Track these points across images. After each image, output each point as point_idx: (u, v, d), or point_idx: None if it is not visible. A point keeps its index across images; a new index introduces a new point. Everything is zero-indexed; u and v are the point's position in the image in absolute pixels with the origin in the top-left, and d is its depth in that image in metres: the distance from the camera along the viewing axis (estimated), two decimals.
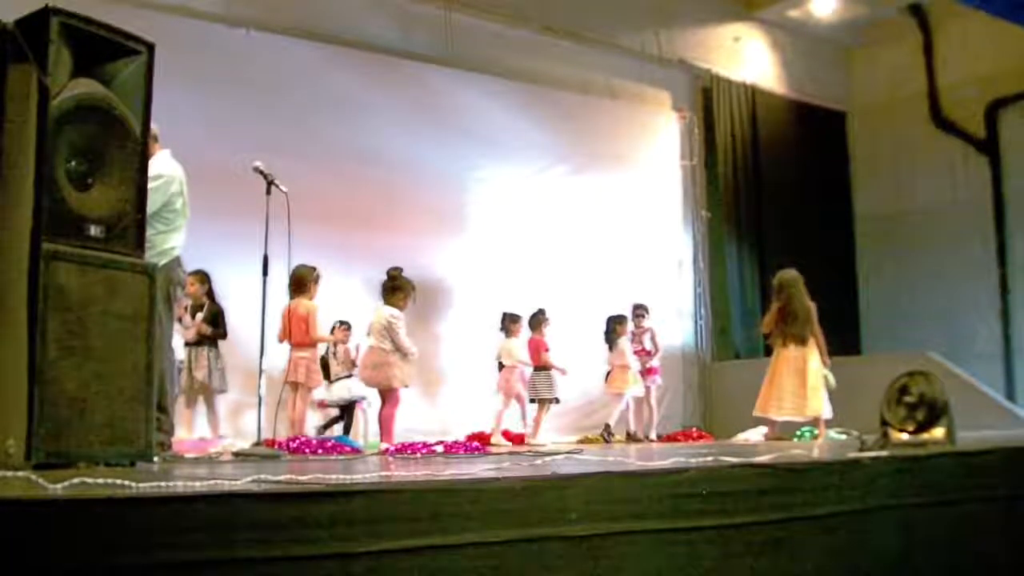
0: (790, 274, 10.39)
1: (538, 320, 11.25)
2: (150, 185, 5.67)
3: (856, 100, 16.55)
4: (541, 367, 11.08)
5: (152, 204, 5.74)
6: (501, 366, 10.92)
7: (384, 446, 7.96)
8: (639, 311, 12.22)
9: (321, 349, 9.51)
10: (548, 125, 12.87)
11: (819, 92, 16.10)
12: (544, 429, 10.91)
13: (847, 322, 15.57)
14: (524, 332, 11.08)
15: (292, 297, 8.86)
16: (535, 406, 11.07)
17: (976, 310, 14.70)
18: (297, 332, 8.83)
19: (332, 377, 9.91)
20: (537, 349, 11.10)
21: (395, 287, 9.24)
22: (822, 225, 15.63)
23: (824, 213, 15.75)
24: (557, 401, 11.15)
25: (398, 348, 9.01)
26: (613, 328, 11.80)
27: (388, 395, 9.06)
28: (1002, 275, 14.70)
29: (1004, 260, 14.72)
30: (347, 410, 9.97)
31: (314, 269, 8.97)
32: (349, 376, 9.93)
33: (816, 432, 10.10)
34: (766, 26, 15.49)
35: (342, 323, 10.03)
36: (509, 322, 10.95)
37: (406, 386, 9.20)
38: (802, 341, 10.16)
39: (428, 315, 11.14)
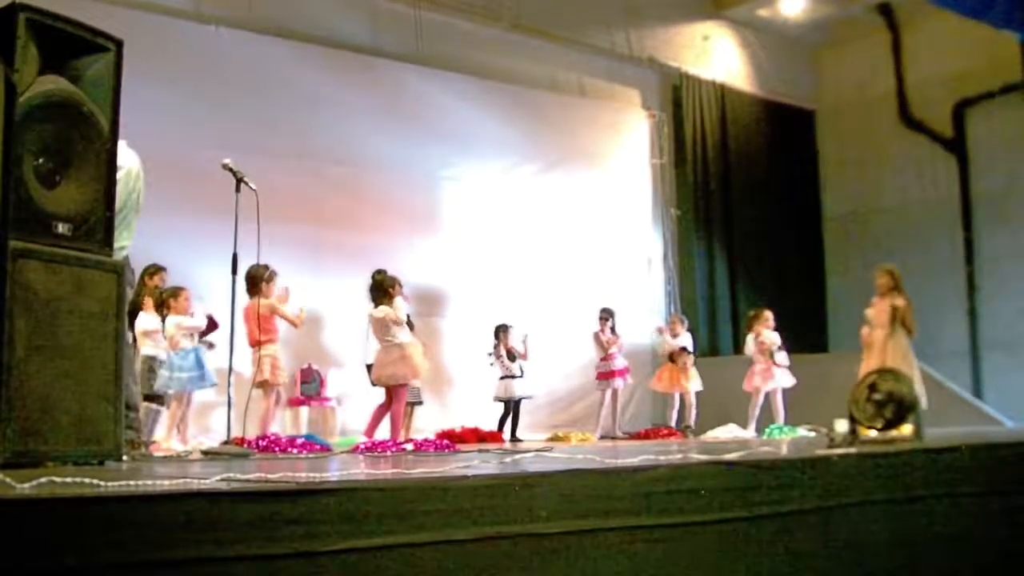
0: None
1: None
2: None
3: (825, 99, 16.63)
4: None
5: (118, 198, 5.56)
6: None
7: (355, 443, 7.92)
8: (607, 314, 12.12)
9: (277, 345, 9.32)
10: (518, 123, 12.88)
11: (788, 91, 16.20)
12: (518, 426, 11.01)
13: (815, 320, 15.67)
14: None
15: (250, 296, 8.74)
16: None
17: (944, 308, 14.77)
18: (253, 331, 8.68)
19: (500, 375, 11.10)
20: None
21: (378, 287, 9.16)
22: (790, 223, 15.73)
23: (792, 211, 15.83)
24: None
25: (399, 336, 8.96)
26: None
27: (397, 392, 8.94)
28: (969, 273, 14.81)
29: (971, 258, 14.82)
30: (507, 407, 11.05)
31: (267, 268, 8.77)
32: (511, 377, 11.01)
33: (784, 429, 10.14)
34: (735, 25, 15.56)
35: None
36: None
37: (417, 377, 9.24)
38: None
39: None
